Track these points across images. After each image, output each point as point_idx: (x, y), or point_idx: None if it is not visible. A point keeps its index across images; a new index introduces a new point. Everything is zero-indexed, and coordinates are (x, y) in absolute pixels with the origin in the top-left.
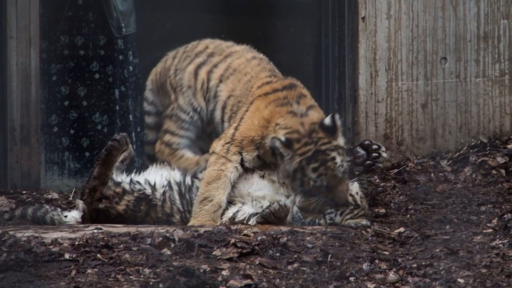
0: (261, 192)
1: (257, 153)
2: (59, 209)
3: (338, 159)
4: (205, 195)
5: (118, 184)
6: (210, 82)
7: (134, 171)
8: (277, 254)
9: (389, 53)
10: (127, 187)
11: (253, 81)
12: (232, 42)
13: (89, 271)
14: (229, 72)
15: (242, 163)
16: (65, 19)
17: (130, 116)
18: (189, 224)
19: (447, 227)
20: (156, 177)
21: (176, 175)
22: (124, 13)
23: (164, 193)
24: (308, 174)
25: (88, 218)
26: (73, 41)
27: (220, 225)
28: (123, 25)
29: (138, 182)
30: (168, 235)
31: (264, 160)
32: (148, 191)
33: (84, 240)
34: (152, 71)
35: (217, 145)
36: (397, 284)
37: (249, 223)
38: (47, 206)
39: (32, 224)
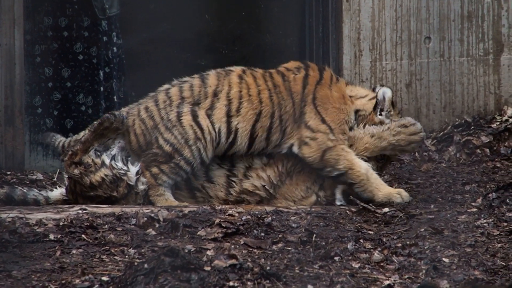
0: None
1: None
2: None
3: None
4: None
5: (99, 155)
6: (215, 125)
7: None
8: (262, 234)
9: (373, 33)
10: (107, 161)
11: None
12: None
13: (73, 251)
14: (235, 104)
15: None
16: (49, 0)
17: (115, 97)
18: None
19: (432, 206)
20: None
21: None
22: None
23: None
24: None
25: (69, 189)
26: (57, 22)
27: (204, 205)
28: (107, 6)
29: (123, 163)
30: (152, 215)
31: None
32: (131, 176)
33: (69, 221)
34: (125, 132)
35: (322, 140)
36: (382, 264)
37: None
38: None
39: (16, 205)
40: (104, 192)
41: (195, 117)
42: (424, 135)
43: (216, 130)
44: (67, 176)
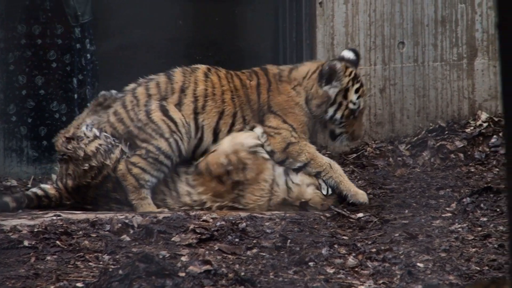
0: None
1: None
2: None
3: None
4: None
5: (90, 129)
6: (185, 119)
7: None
8: (236, 240)
9: (347, 38)
10: (98, 133)
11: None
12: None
13: (48, 258)
14: (200, 102)
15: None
16: (23, 8)
17: (89, 104)
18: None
19: (406, 211)
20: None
21: None
22: (81, 1)
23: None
24: (350, 96)
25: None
26: (30, 30)
27: (179, 210)
28: (79, 13)
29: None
30: (127, 221)
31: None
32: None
33: (43, 227)
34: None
35: (286, 135)
36: (356, 269)
37: None
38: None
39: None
40: (97, 161)
41: (165, 112)
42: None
43: (188, 124)
44: (59, 158)
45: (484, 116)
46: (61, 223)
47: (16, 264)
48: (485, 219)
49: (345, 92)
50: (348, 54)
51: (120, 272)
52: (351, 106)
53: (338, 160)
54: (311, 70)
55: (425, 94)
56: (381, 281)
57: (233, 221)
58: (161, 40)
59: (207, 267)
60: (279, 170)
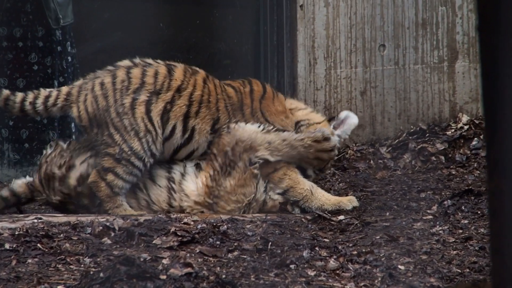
0: None
1: None
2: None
3: None
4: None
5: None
6: (170, 121)
7: None
8: (217, 242)
9: (328, 41)
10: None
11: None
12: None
13: (29, 260)
14: (194, 107)
15: None
16: (4, 10)
17: None
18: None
19: (387, 214)
20: None
21: None
22: (62, 4)
23: None
24: None
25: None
26: (11, 32)
27: (159, 213)
28: (60, 16)
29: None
30: (108, 224)
31: None
32: None
33: (24, 230)
34: (75, 107)
35: None
36: (337, 271)
37: None
38: None
39: None
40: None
41: (148, 111)
42: (335, 154)
43: (170, 127)
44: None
45: (465, 118)
46: (42, 226)
47: None
48: (466, 221)
49: None
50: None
51: (101, 275)
52: None
53: None
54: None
55: (406, 96)
56: (362, 284)
57: (214, 224)
58: (141, 43)
59: (188, 269)
60: (262, 188)
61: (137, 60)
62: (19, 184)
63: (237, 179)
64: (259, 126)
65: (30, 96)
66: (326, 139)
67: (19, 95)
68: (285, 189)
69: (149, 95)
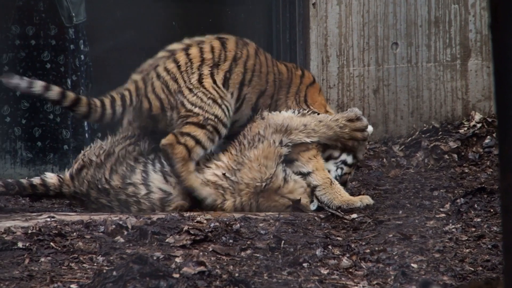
0: None
1: None
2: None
3: None
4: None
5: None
6: (229, 89)
7: None
8: (230, 241)
9: (340, 39)
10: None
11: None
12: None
13: (42, 259)
14: (249, 75)
15: None
16: (16, 9)
17: None
18: None
19: (400, 212)
20: None
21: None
22: (74, 2)
23: None
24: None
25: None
26: (24, 31)
27: (173, 212)
28: (73, 14)
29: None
30: (121, 222)
31: None
32: None
33: (37, 229)
34: (144, 99)
35: None
36: (350, 270)
37: None
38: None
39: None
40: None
41: (214, 81)
42: (368, 134)
43: (229, 94)
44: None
45: (477, 116)
46: (55, 224)
47: (10, 266)
48: (479, 219)
49: None
50: None
51: (114, 273)
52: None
53: None
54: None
55: (418, 95)
56: (375, 282)
57: (227, 222)
58: (154, 42)
59: (201, 268)
60: (281, 173)
61: (187, 41)
62: (51, 175)
63: (262, 150)
64: (293, 112)
65: (107, 101)
66: (359, 118)
67: (97, 101)
68: (310, 171)
69: (210, 68)
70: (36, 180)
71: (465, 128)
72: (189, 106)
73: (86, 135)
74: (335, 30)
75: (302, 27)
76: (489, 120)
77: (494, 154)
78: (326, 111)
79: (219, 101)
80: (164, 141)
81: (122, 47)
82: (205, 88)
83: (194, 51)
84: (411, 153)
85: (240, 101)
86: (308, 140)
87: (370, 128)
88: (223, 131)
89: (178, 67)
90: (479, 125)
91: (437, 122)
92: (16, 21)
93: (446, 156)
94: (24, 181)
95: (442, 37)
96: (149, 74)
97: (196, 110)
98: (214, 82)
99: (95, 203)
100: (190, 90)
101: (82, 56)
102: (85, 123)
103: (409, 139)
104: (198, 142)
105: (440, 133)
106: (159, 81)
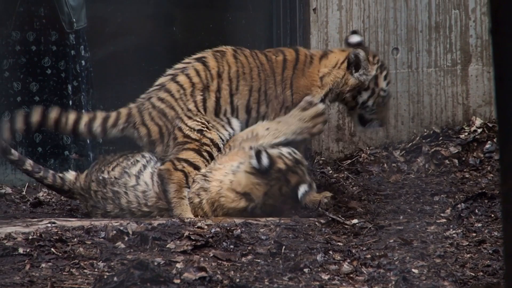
0: None
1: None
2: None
3: None
4: None
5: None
6: (221, 107)
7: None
8: (231, 246)
9: (341, 44)
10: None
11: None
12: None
13: (43, 265)
14: (234, 83)
15: None
16: (17, 14)
17: (83, 110)
18: None
19: (401, 217)
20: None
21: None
22: (75, 8)
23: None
24: (380, 83)
25: None
26: (25, 36)
27: (174, 217)
28: (74, 20)
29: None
30: (122, 228)
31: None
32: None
33: (38, 235)
34: (141, 126)
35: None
36: (351, 275)
37: None
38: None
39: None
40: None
41: (207, 106)
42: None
43: (222, 114)
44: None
45: (478, 122)
46: (56, 230)
47: (11, 272)
48: (479, 224)
49: (375, 79)
50: (357, 38)
51: (115, 279)
52: (382, 93)
53: (332, 166)
54: (340, 60)
55: (419, 100)
56: (376, 287)
57: (228, 228)
58: (154, 47)
59: (202, 274)
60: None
61: (173, 69)
62: (72, 173)
63: (232, 154)
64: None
65: (85, 118)
66: (311, 103)
67: (71, 116)
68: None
69: (202, 93)
70: (59, 174)
71: (466, 133)
72: (187, 132)
73: (87, 140)
74: (335, 35)
75: (303, 32)
76: (490, 125)
77: (494, 159)
78: (313, 90)
79: (216, 125)
80: (162, 167)
81: (123, 52)
82: (202, 114)
83: (182, 78)
84: (411, 158)
85: (235, 111)
86: (277, 140)
87: (321, 106)
88: (215, 153)
89: (172, 95)
90: (479, 130)
91: (437, 127)
92: (16, 27)
93: (447, 161)
94: (50, 170)
95: (443, 42)
96: (143, 104)
97: (194, 136)
98: (208, 107)
99: (93, 198)
100: (188, 117)
101: (83, 62)
102: None
103: (410, 144)
104: (196, 168)
105: (441, 138)
106: (155, 110)
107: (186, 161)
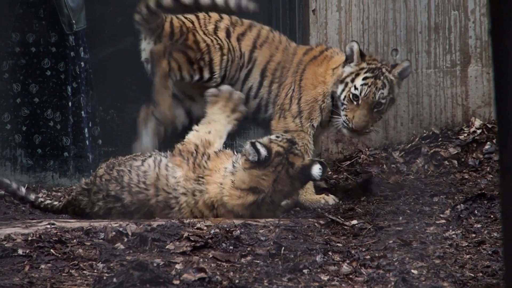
0: None
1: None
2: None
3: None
4: None
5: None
6: (241, 49)
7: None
8: (231, 247)
9: (340, 46)
10: None
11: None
12: None
13: (42, 266)
14: (261, 39)
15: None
16: (16, 16)
17: (83, 112)
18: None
19: (400, 218)
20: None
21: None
22: (75, 9)
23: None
24: (357, 80)
25: None
26: (24, 38)
27: (174, 219)
28: (73, 21)
29: None
30: (121, 229)
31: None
32: None
33: (37, 236)
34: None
35: (289, 123)
36: (350, 276)
37: None
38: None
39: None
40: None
41: (228, 35)
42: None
43: (242, 52)
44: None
45: (477, 123)
46: (55, 231)
47: (10, 273)
48: (479, 225)
49: (355, 75)
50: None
51: (115, 280)
52: (352, 90)
53: (332, 167)
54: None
55: (418, 101)
56: None
57: (227, 229)
58: None
59: (202, 274)
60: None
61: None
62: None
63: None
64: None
65: None
66: (232, 94)
67: None
68: None
69: (227, 25)
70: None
71: (465, 134)
72: (199, 38)
73: (87, 142)
74: (335, 36)
75: (302, 33)
76: (489, 126)
77: (494, 160)
78: (323, 81)
79: (225, 51)
80: (155, 48)
81: (123, 54)
82: (217, 36)
83: (213, 14)
84: (411, 159)
85: (251, 63)
86: (221, 139)
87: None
88: (206, 75)
89: (197, 17)
90: (479, 131)
91: (437, 128)
92: (16, 28)
93: (446, 162)
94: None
95: (442, 43)
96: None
97: (202, 45)
98: (228, 36)
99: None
100: (204, 33)
101: (83, 63)
102: (86, 130)
103: (409, 145)
104: (180, 68)
105: (440, 139)
106: (176, 18)
107: (175, 59)
